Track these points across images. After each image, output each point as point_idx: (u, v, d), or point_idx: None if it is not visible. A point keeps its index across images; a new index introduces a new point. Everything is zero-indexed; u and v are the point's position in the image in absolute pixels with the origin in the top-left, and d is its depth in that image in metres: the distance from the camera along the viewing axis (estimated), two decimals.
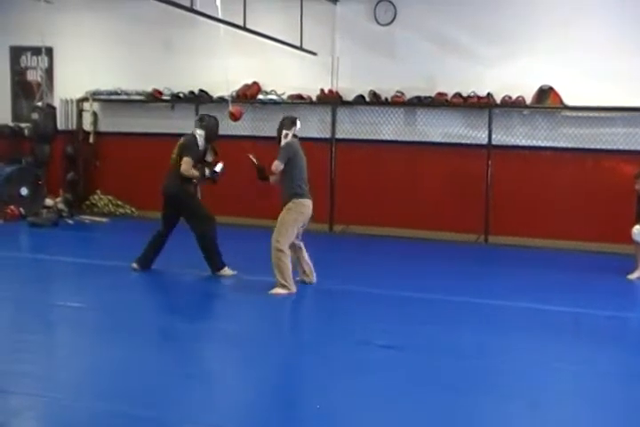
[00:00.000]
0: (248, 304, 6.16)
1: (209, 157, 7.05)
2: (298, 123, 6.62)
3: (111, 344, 4.96)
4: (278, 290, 6.25)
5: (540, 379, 4.48)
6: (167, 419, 3.73)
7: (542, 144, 9.35)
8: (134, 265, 6.96)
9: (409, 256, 8.64)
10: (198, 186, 7.40)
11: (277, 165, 6.35)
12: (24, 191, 10.68)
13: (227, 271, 6.92)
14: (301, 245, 6.57)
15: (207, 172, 6.89)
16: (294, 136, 6.55)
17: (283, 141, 6.49)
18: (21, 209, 10.43)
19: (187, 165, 6.76)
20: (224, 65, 7.47)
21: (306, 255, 6.61)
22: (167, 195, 6.96)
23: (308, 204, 6.43)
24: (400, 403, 4.02)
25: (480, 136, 9.53)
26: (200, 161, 6.91)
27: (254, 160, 6.66)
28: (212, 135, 6.98)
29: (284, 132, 6.52)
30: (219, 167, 6.97)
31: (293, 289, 6.29)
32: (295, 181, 6.39)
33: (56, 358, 4.83)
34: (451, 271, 7.76)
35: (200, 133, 6.93)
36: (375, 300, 6.37)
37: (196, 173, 6.82)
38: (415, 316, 5.90)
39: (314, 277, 6.65)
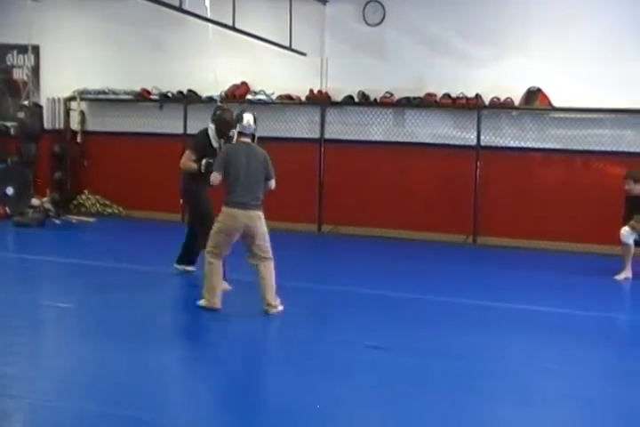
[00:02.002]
0: (233, 304, 6.09)
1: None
2: (245, 118, 5.66)
3: (97, 345, 4.92)
4: (202, 301, 5.75)
5: (528, 379, 4.49)
6: (154, 420, 3.70)
7: (530, 145, 9.38)
8: (176, 266, 6.92)
9: (397, 257, 8.65)
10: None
11: (216, 176, 5.64)
12: (10, 191, 10.60)
13: (187, 268, 6.87)
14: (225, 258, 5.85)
15: (203, 164, 6.31)
16: (240, 134, 5.70)
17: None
18: (7, 208, 10.36)
19: (184, 158, 6.55)
20: (213, 65, 7.46)
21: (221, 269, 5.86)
22: (180, 192, 6.86)
23: (234, 214, 5.57)
24: (388, 403, 4.02)
25: (469, 137, 9.54)
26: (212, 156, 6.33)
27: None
28: (225, 129, 6.30)
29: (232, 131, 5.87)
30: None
31: (216, 305, 5.67)
32: (229, 187, 5.67)
33: (42, 359, 4.79)
34: (439, 272, 7.78)
35: (212, 127, 6.53)
36: (363, 300, 6.38)
37: (192, 164, 6.43)
38: (403, 316, 5.90)
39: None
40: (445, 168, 9.64)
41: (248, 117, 5.66)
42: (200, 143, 6.55)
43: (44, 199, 10.69)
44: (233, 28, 8.07)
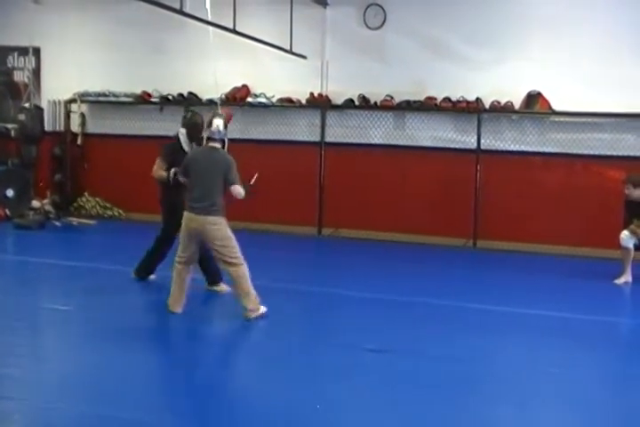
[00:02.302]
0: (231, 306, 6.08)
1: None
2: (215, 123, 5.65)
3: (97, 347, 4.93)
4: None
5: (528, 382, 4.50)
6: (155, 422, 3.70)
7: (531, 149, 9.39)
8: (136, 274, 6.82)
9: (397, 260, 8.65)
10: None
11: (184, 180, 5.81)
12: (10, 193, 10.61)
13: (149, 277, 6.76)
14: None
15: (170, 177, 6.27)
16: (209, 139, 5.69)
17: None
18: (7, 211, 10.37)
19: (155, 167, 6.44)
20: (213, 67, 7.44)
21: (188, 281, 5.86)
22: (160, 198, 6.74)
23: (187, 217, 5.64)
24: (388, 405, 4.02)
25: (469, 141, 9.55)
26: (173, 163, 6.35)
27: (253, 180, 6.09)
28: (195, 133, 6.33)
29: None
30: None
31: (174, 308, 5.75)
32: (188, 191, 5.75)
33: (42, 361, 4.78)
34: (440, 275, 7.78)
35: (182, 132, 6.50)
36: (362, 303, 6.38)
37: (164, 174, 6.36)
38: (403, 319, 5.90)
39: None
40: (446, 171, 9.64)
41: (218, 122, 5.65)
42: (169, 150, 6.45)
43: (45, 201, 10.70)
44: (234, 31, 8.08)
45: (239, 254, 5.61)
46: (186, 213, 5.64)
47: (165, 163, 6.41)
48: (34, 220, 9.96)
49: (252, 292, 5.60)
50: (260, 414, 3.89)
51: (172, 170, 6.28)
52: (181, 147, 6.46)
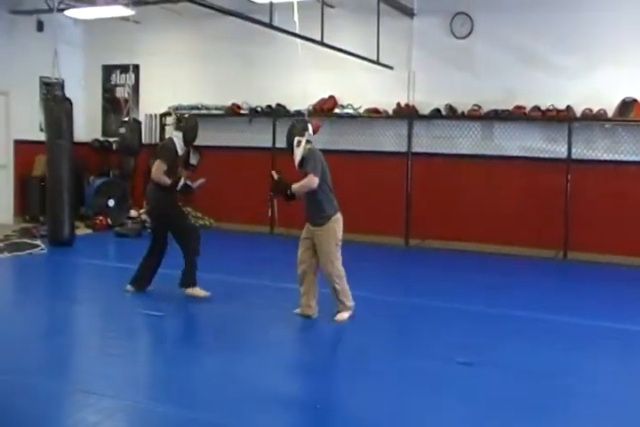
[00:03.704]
0: (318, 319, 6.08)
1: (193, 160, 6.65)
2: (310, 127, 5.88)
3: (193, 352, 5.11)
4: (344, 315, 5.95)
5: (627, 403, 4.32)
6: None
7: (625, 158, 9.08)
8: (128, 287, 6.73)
9: (485, 271, 8.52)
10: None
11: (314, 180, 5.69)
12: (111, 203, 11.16)
13: (197, 291, 6.56)
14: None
15: (181, 184, 6.47)
16: (308, 142, 5.86)
17: (297, 151, 5.77)
18: (109, 220, 10.90)
19: (156, 170, 6.38)
20: (301, 79, 7.60)
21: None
22: (150, 209, 6.80)
23: (341, 217, 5.92)
24: (476, 422, 3.99)
25: (559, 150, 9.33)
26: (181, 165, 6.55)
27: (275, 176, 5.97)
28: (190, 137, 6.50)
29: (297, 139, 5.82)
30: (197, 183, 6.62)
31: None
32: (327, 192, 5.85)
33: (138, 363, 5.01)
34: (530, 287, 7.61)
35: (177, 135, 6.51)
36: (452, 315, 6.33)
37: (166, 179, 6.39)
38: (494, 332, 5.80)
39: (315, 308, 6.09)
40: (535, 181, 9.44)
41: (310, 126, 5.91)
42: (168, 153, 6.48)
43: (141, 211, 11.16)
44: (321, 43, 8.22)
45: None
46: (339, 215, 5.89)
47: (166, 165, 6.41)
48: (132, 228, 10.42)
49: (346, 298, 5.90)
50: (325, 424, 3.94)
51: (182, 182, 6.49)
52: (176, 150, 6.50)
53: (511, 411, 4.13)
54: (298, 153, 5.77)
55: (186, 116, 6.81)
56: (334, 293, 5.92)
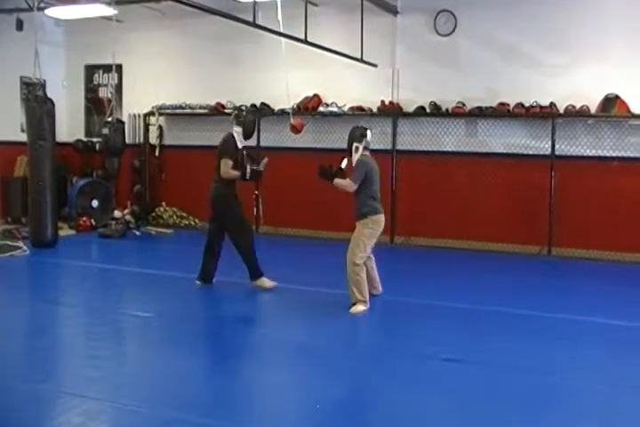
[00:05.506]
0: (313, 316, 6.12)
1: (253, 153, 6.82)
2: (369, 134, 6.39)
3: (178, 354, 5.07)
4: (359, 307, 6.16)
5: (614, 398, 4.32)
6: None
7: (608, 154, 9.13)
8: (198, 282, 6.97)
9: (471, 268, 8.54)
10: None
11: (351, 188, 6.26)
12: (95, 203, 11.08)
13: (264, 282, 6.83)
14: (371, 255, 6.50)
15: (247, 171, 6.65)
16: (365, 148, 6.37)
17: (354, 156, 6.28)
18: (92, 220, 10.82)
19: (225, 167, 6.62)
20: (285, 78, 7.57)
21: (374, 265, 6.59)
22: (210, 201, 6.95)
23: (383, 219, 6.38)
24: (465, 419, 3.99)
25: (543, 146, 9.37)
26: (243, 159, 6.72)
27: (334, 168, 6.41)
28: (249, 131, 6.81)
29: (355, 144, 6.29)
30: (262, 164, 6.79)
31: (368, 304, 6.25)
32: (370, 196, 6.30)
33: (124, 365, 4.96)
34: (514, 284, 7.64)
35: (237, 130, 6.77)
36: (438, 312, 6.33)
37: (236, 173, 6.65)
38: (480, 329, 5.81)
39: (380, 287, 6.66)
40: (519, 178, 9.48)
41: (370, 134, 6.43)
42: (231, 149, 6.71)
43: (125, 211, 11.10)
44: (305, 42, 8.21)
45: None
46: (381, 216, 6.33)
47: (232, 161, 6.64)
48: (116, 229, 10.35)
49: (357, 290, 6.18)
50: (327, 424, 3.93)
51: (249, 168, 6.63)
52: (236, 145, 6.73)
53: (500, 406, 4.12)
54: (354, 159, 6.30)
55: (244, 111, 6.92)
56: (347, 282, 6.21)
